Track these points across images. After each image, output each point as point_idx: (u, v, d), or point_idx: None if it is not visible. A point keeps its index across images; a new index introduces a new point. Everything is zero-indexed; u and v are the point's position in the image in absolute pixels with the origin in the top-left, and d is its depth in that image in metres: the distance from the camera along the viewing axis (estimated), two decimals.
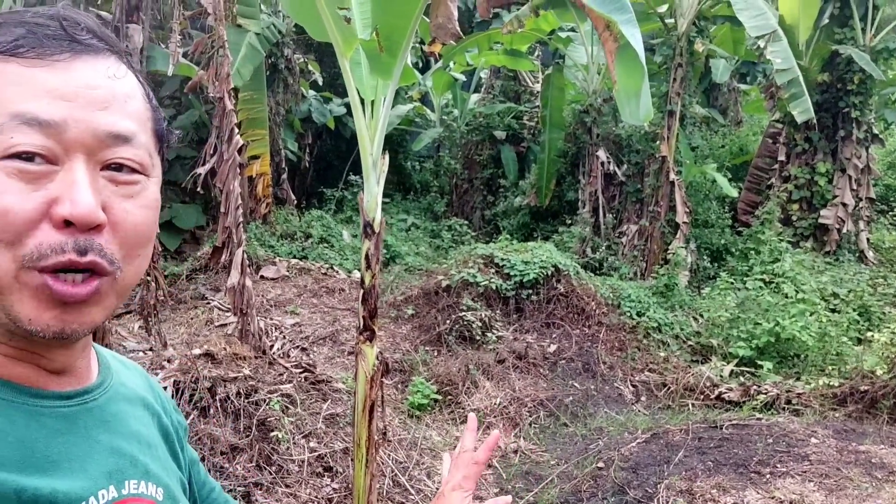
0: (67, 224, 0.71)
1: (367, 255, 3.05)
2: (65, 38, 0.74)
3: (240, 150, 8.62)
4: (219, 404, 4.43)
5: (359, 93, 2.92)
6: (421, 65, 13.45)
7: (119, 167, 0.76)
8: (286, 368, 5.14)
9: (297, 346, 6.23)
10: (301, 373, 5.21)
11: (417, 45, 12.90)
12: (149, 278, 5.27)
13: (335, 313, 6.88)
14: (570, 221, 9.47)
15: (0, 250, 0.69)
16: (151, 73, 5.80)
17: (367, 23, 2.80)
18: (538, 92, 11.15)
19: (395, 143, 12.39)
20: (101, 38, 0.78)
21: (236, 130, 5.01)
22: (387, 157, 3.03)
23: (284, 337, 6.35)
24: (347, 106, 11.05)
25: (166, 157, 0.87)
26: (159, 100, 9.89)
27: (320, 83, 10.68)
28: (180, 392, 4.35)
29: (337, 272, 7.81)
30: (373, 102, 2.98)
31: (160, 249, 5.30)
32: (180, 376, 4.42)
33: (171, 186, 9.00)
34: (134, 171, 0.77)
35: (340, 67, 2.82)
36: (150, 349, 5.52)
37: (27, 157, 0.70)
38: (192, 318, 6.70)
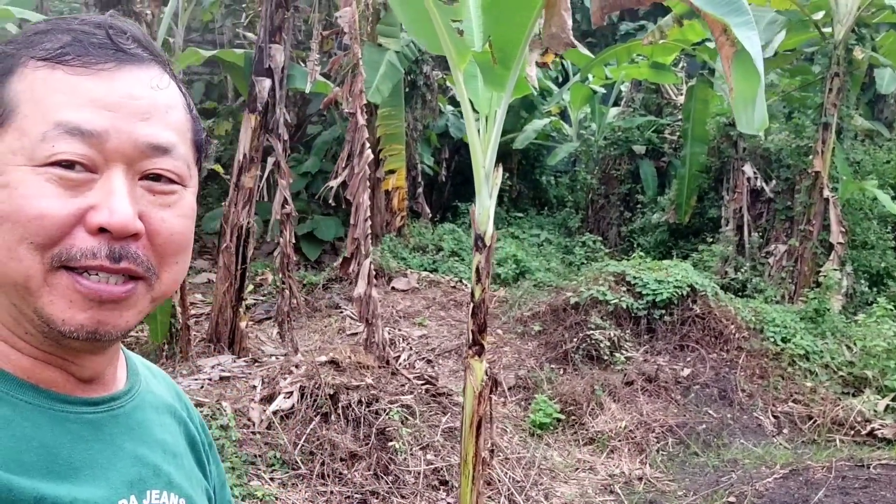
0: (102, 231, 0.72)
1: (477, 269, 3.03)
2: (110, 46, 0.75)
3: (376, 165, 8.89)
4: (340, 411, 4.55)
5: (472, 105, 2.91)
6: (560, 79, 13.34)
7: (157, 177, 0.77)
8: (408, 379, 5.20)
9: (423, 358, 6.29)
10: (423, 384, 5.25)
11: (558, 58, 12.82)
12: (284, 287, 5.51)
13: (461, 326, 6.90)
14: (711, 240, 9.03)
15: (31, 252, 0.70)
16: (291, 91, 6.09)
17: (480, 35, 2.79)
18: (681, 105, 10.75)
19: (531, 157, 12.33)
20: (146, 47, 0.79)
21: (367, 145, 5.14)
22: (500, 170, 3.00)
23: (411, 348, 6.43)
24: None
25: (204, 166, 0.87)
26: (306, 116, 10.38)
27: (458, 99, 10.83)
28: (304, 397, 4.49)
29: (466, 286, 7.84)
30: (487, 115, 2.96)
31: (293, 259, 5.52)
32: (305, 382, 4.57)
33: (313, 199, 9.40)
34: (172, 181, 0.78)
35: (454, 80, 2.82)
36: (285, 354, 5.75)
37: (67, 164, 0.71)
38: (325, 326, 6.93)
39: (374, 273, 7.69)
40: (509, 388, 5.96)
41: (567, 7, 2.59)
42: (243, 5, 9.28)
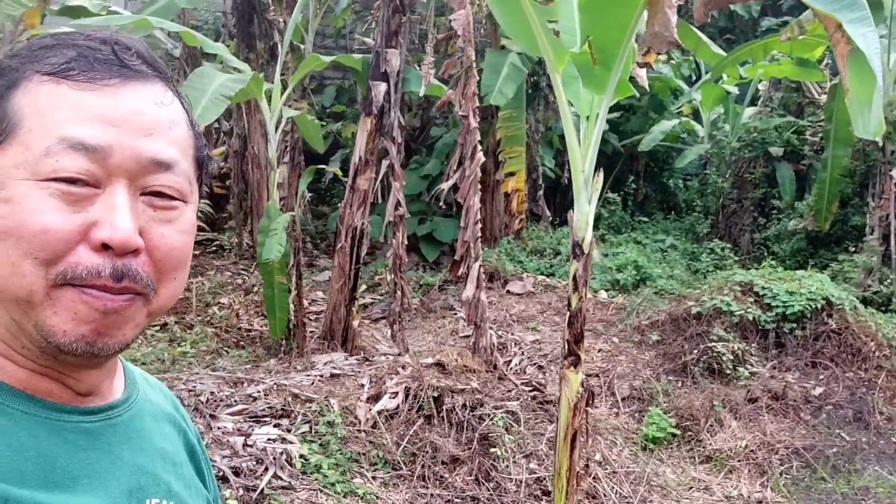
0: (105, 247, 0.72)
1: (574, 277, 2.93)
2: (115, 62, 0.76)
3: (496, 167, 8.86)
4: (444, 414, 4.55)
5: (571, 108, 2.82)
6: (694, 77, 12.81)
7: (159, 193, 0.77)
8: (515, 385, 5.14)
9: (534, 364, 6.20)
10: (530, 391, 5.18)
11: (691, 57, 12.30)
12: (395, 287, 5.58)
13: None
14: (853, 249, 8.38)
15: (35, 267, 0.71)
16: (414, 95, 6.16)
17: (578, 35, 2.70)
18: (824, 104, 10.04)
19: (659, 160, 11.92)
20: (151, 63, 0.80)
21: (479, 148, 5.13)
22: (600, 175, 2.89)
23: (523, 353, 6.36)
24: (609, 122, 10.86)
25: (205, 183, 0.88)
26: (430, 119, 10.50)
27: None
28: (409, 398, 4.53)
29: None
30: (588, 117, 2.87)
31: (406, 261, 5.58)
32: (410, 383, 4.60)
33: (434, 201, 9.49)
34: (173, 197, 0.78)
35: (552, 81, 2.75)
36: (398, 354, 5.83)
37: (70, 180, 0.72)
38: (439, 328, 6.97)
39: (486, 276, 7.67)
40: (622, 399, 5.77)
41: (671, 4, 2.45)
42: (371, 11, 9.54)
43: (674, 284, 7.77)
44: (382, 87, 5.22)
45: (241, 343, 5.93)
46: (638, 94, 9.43)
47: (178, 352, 5.33)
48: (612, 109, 10.98)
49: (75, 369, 0.78)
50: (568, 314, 3.04)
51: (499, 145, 8.86)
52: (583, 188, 2.88)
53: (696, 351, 6.11)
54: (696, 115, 12.49)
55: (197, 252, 8.90)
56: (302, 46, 8.23)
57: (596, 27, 2.54)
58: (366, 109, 5.35)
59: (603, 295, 7.65)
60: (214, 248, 9.09)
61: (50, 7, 8.56)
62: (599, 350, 6.49)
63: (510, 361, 5.97)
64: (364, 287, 7.79)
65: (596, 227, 10.29)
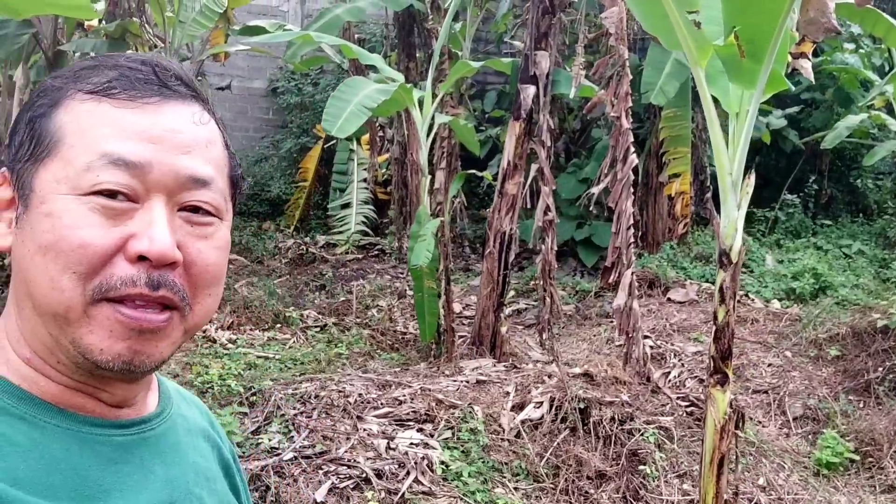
0: (141, 259, 0.73)
1: (721, 289, 2.70)
2: (156, 82, 0.78)
3: (659, 169, 8.49)
4: (590, 427, 4.39)
5: (716, 105, 2.59)
6: (887, 67, 11.62)
7: (196, 209, 0.78)
8: (669, 399, 4.86)
9: (695, 377, 5.85)
10: (686, 406, 4.88)
11: (884, 46, 11.17)
12: (545, 293, 5.47)
13: (743, 345, 6.30)
14: None
15: (73, 282, 0.72)
16: (557, 97, 6.03)
17: (722, 26, 2.47)
18: None
19: (846, 158, 10.91)
20: (188, 84, 0.81)
21: (632, 150, 4.91)
22: (751, 177, 2.64)
23: (682, 365, 6.01)
24: (789, 118, 10.08)
25: (238, 202, 0.89)
26: (590, 120, 10.24)
27: None
28: (553, 409, 4.41)
29: (752, 300, 7.16)
30: (737, 113, 2.63)
31: (555, 267, 5.45)
32: (556, 393, 4.48)
33: (597, 205, 9.25)
34: (209, 213, 0.79)
35: (694, 77, 2.54)
36: (550, 361, 5.71)
37: (110, 193, 0.73)
38: (594, 336, 6.76)
39: (646, 283, 7.36)
40: (794, 419, 5.30)
41: None
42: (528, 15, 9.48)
43: (858, 294, 7.06)
44: (531, 90, 5.13)
45: (396, 346, 6.05)
46: (793, 88, 8.67)
47: (333, 353, 5.53)
48: (791, 104, 10.20)
49: (110, 383, 0.79)
50: (714, 328, 2.81)
51: (661, 146, 8.49)
52: (730, 191, 2.64)
53: (881, 368, 5.51)
54: (889, 108, 11.30)
55: (360, 256, 9.24)
56: (459, 53, 8.31)
57: (743, 16, 2.32)
58: (514, 113, 5.28)
59: (776, 305, 7.10)
60: (376, 253, 9.39)
61: (232, 27, 9.23)
62: (769, 365, 6.02)
63: (668, 373, 5.67)
64: (517, 292, 7.73)
65: (772, 231, 9.59)
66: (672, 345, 6.33)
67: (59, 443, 0.74)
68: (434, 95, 5.57)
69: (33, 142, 0.75)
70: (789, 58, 2.58)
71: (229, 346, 5.74)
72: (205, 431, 0.94)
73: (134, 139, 0.74)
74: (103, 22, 6.90)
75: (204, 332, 6.05)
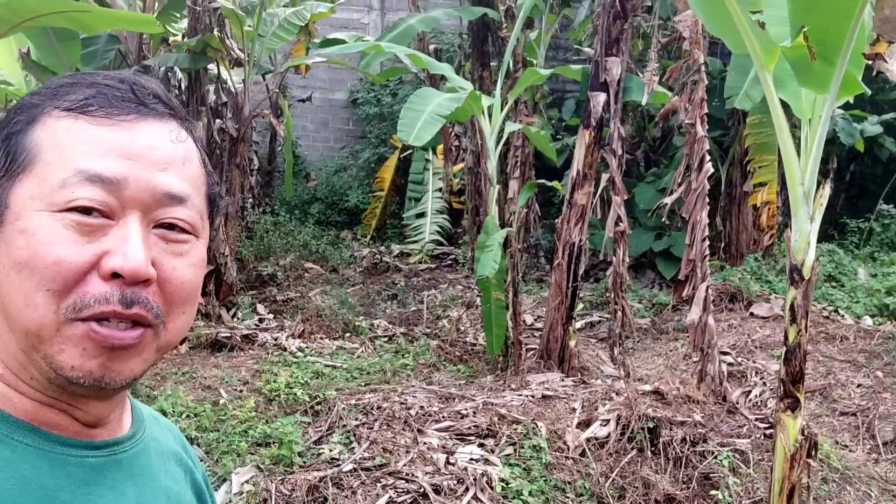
0: (115, 276, 0.72)
1: (792, 307, 2.51)
2: (133, 100, 0.78)
3: (743, 178, 8.15)
4: (660, 448, 4.20)
5: (785, 111, 2.42)
6: None
7: (171, 226, 0.77)
8: (747, 420, 4.61)
9: (777, 396, 5.54)
10: (766, 428, 4.61)
11: None
12: (616, 307, 5.30)
13: (831, 364, 5.94)
14: None
15: (46, 300, 0.71)
16: (628, 104, 5.85)
17: (789, 26, 2.30)
18: None
19: None
20: (166, 102, 0.82)
21: (707, 158, 4.71)
22: (826, 187, 2.45)
23: (764, 384, 5.71)
24: (885, 125, 9.53)
25: (215, 220, 0.87)
26: (671, 128, 9.93)
27: (850, 100, 9.38)
28: (620, 427, 4.25)
29: (842, 316, 6.75)
30: (810, 119, 2.44)
31: (626, 279, 5.27)
32: (623, 411, 4.31)
33: (672, 215, 8.96)
34: (185, 230, 0.78)
35: (761, 81, 2.38)
36: (625, 376, 5.52)
37: (84, 210, 0.73)
38: (670, 351, 6.52)
39: (727, 297, 7.05)
40: (884, 444, 4.94)
41: None
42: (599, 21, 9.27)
43: None
44: (601, 97, 4.99)
45: (464, 357, 5.98)
46: (869, 91, 8.15)
47: (399, 363, 5.50)
48: (889, 110, 9.62)
49: (82, 400, 0.78)
50: (784, 349, 2.62)
51: (746, 154, 8.15)
52: (802, 203, 2.46)
53: None
54: None
55: (432, 266, 9.23)
56: (534, 62, 8.20)
57: (811, 16, 2.14)
58: (584, 121, 5.15)
59: (867, 321, 6.67)
60: (449, 262, 9.36)
61: (313, 41, 9.40)
62: (859, 385, 5.65)
63: (748, 392, 5.39)
64: (591, 304, 7.54)
65: (866, 243, 9.06)
66: (753, 362, 6.02)
67: (30, 462, 0.73)
68: (503, 103, 5.49)
69: (8, 158, 0.75)
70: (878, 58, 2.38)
71: (298, 354, 5.80)
72: (177, 455, 0.93)
73: (110, 156, 0.74)
74: (185, 37, 7.11)
75: (275, 339, 6.14)
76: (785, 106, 2.46)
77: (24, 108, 0.77)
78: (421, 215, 10.28)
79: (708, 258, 4.72)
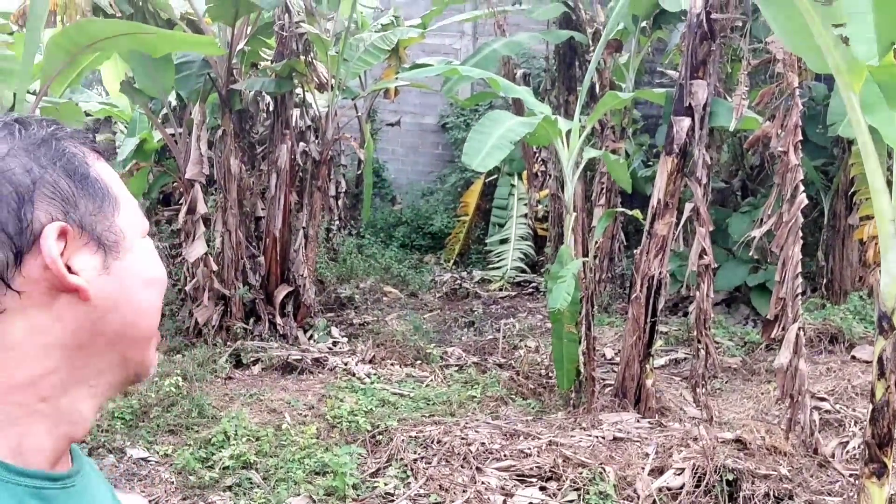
0: None
1: (880, 360, 2.20)
2: None
3: (848, 210, 7.59)
4: (740, 502, 3.85)
5: (875, 138, 2.13)
6: None
7: None
8: (841, 475, 4.19)
9: None
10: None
11: None
12: (699, 345, 4.97)
13: None
14: None
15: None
16: (722, 131, 5.52)
17: (877, 42, 2.01)
18: None
19: None
20: None
21: (801, 188, 4.35)
22: None
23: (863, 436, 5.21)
24: None
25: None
26: (769, 156, 9.40)
27: None
28: (696, 478, 3.92)
29: None
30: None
31: (711, 316, 4.92)
32: (700, 459, 3.99)
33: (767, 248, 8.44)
34: None
35: (846, 104, 2.11)
36: (706, 421, 5.16)
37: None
38: (762, 394, 6.06)
39: (827, 338, 6.54)
40: None
41: None
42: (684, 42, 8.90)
43: None
44: (686, 122, 4.71)
45: (537, 391, 5.74)
46: None
47: (466, 395, 5.32)
48: None
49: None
50: (871, 407, 2.30)
51: (852, 184, 7.59)
52: (892, 242, 2.16)
53: None
54: None
55: (513, 293, 9.02)
56: (623, 86, 7.93)
57: None
58: (666, 147, 4.87)
59: None
60: (531, 290, 9.13)
61: (403, 66, 9.46)
62: None
63: (845, 444, 4.92)
64: (676, 340, 7.14)
65: None
66: (853, 410, 5.51)
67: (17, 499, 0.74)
68: (582, 128, 5.28)
69: (97, 195, 0.80)
70: None
71: (366, 380, 5.71)
72: (112, 491, 0.95)
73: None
74: (273, 62, 7.25)
75: (345, 364, 6.08)
76: (874, 132, 2.18)
77: (64, 150, 0.80)
78: (504, 241, 10.09)
79: (800, 297, 4.35)
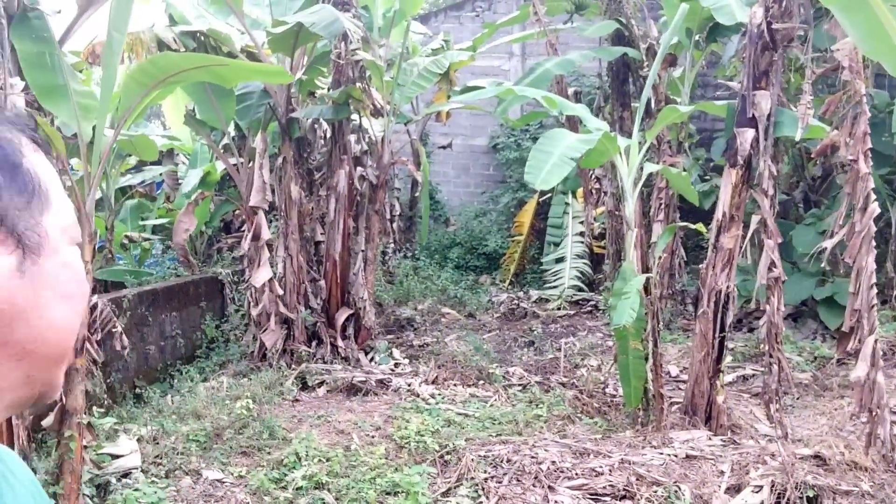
0: None
1: None
2: None
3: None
4: None
5: None
6: None
7: None
8: None
9: None
10: None
11: None
12: (771, 360, 4.87)
13: None
14: None
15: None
16: (782, 141, 5.43)
17: None
18: None
19: None
20: None
21: (873, 197, 4.26)
22: None
23: None
24: None
25: None
26: (833, 165, 9.21)
27: None
28: (775, 495, 3.83)
29: None
30: None
31: (782, 330, 4.82)
32: (778, 476, 3.90)
33: (835, 260, 8.24)
34: None
35: None
36: (783, 436, 5.03)
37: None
38: (835, 409, 5.89)
39: (892, 350, 6.34)
40: None
41: None
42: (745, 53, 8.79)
43: None
44: (749, 133, 4.66)
45: (602, 409, 5.68)
46: None
47: (532, 414, 5.30)
48: None
49: None
50: None
51: None
52: None
53: None
54: None
55: (571, 312, 8.96)
56: (678, 100, 7.88)
57: None
58: (730, 160, 4.82)
59: None
60: (589, 309, 9.06)
61: (454, 88, 9.57)
62: None
63: None
64: (744, 356, 7.00)
65: None
66: None
67: None
68: (641, 143, 5.26)
69: (28, 188, 0.72)
70: None
71: (431, 400, 5.73)
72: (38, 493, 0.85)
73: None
74: (329, 90, 7.40)
75: (408, 385, 6.12)
76: None
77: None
78: (560, 260, 10.06)
79: (876, 308, 4.23)
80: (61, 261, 0.73)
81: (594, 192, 9.59)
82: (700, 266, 9.95)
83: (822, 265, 5.80)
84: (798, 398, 6.13)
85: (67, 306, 0.73)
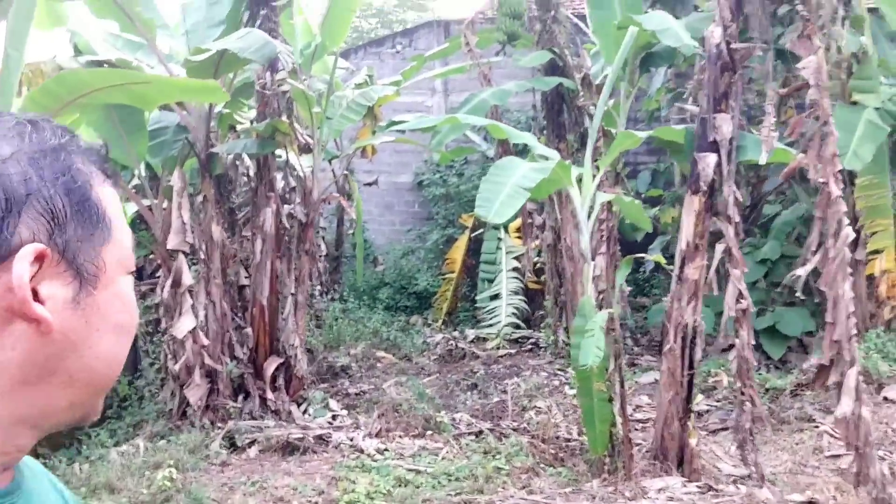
0: None
1: None
2: None
3: (855, 245, 7.39)
4: None
5: None
6: None
7: None
8: None
9: None
10: None
11: None
12: (743, 397, 4.60)
13: None
14: None
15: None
16: (742, 165, 5.30)
17: None
18: None
19: None
20: None
21: (845, 222, 4.07)
22: None
23: None
24: None
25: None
26: (762, 195, 9.29)
27: None
28: None
29: None
30: None
31: (753, 363, 4.58)
32: None
33: (775, 288, 8.21)
34: None
35: None
36: (749, 476, 4.76)
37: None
38: (796, 444, 5.70)
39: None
40: None
41: None
42: (688, 84, 8.80)
43: None
44: (712, 158, 4.44)
45: (560, 456, 5.30)
46: None
47: (491, 466, 4.85)
48: None
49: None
50: None
51: (857, 219, 7.42)
52: None
53: None
54: None
55: (512, 351, 8.61)
56: (613, 132, 7.72)
57: None
58: (691, 186, 4.59)
59: None
60: (530, 347, 8.73)
61: (378, 124, 9.21)
62: None
63: None
64: (696, 390, 6.77)
65: None
66: None
67: None
68: (594, 173, 4.99)
69: (91, 220, 0.73)
70: None
71: (378, 457, 5.22)
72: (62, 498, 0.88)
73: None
74: (253, 122, 6.90)
75: (350, 439, 5.58)
76: None
77: (68, 167, 0.73)
78: (495, 297, 9.72)
79: (856, 338, 4.03)
80: (115, 291, 0.75)
81: (527, 226, 9.35)
82: (634, 298, 9.84)
83: (772, 293, 5.64)
84: (757, 433, 5.91)
85: (117, 337, 0.75)
